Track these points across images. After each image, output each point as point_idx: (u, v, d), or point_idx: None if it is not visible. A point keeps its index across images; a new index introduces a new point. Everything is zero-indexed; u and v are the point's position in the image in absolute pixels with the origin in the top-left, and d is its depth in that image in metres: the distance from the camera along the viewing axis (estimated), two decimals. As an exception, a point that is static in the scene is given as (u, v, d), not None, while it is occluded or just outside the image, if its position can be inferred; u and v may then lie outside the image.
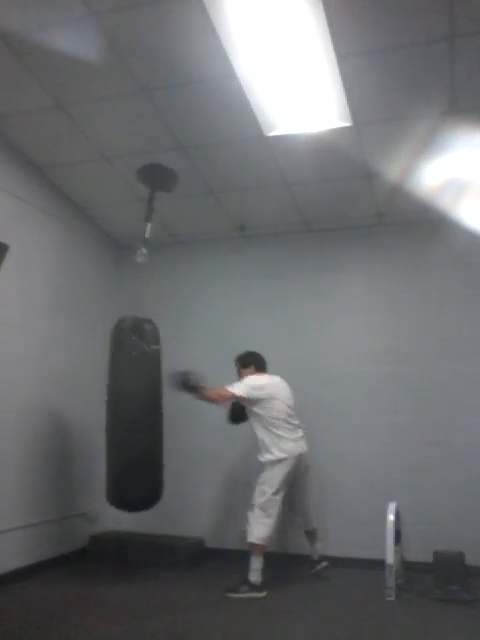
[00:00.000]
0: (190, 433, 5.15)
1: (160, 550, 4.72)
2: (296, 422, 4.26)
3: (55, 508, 4.64)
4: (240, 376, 4.36)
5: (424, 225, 4.84)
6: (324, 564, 4.32)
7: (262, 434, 4.16)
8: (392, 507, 4.05)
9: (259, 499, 4.05)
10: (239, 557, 4.75)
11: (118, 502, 4.23)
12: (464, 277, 4.80)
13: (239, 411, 4.32)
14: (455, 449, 4.57)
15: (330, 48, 3.26)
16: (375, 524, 4.15)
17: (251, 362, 4.39)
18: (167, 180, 4.46)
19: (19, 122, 4.08)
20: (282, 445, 4.10)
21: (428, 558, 4.10)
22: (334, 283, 5.14)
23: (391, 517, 3.99)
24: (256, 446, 4.19)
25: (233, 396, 4.15)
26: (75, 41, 3.36)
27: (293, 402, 4.32)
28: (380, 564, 3.90)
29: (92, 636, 3.17)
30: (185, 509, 5.05)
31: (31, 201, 4.55)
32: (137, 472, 4.10)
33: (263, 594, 3.90)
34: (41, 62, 3.52)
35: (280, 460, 4.07)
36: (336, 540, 4.58)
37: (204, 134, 4.07)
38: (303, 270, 5.25)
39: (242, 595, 3.87)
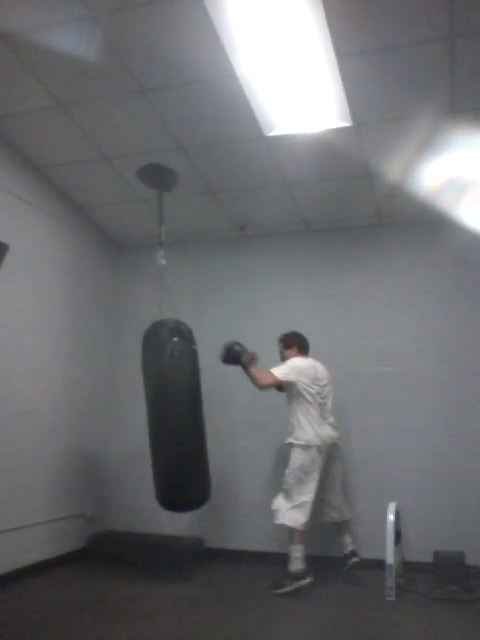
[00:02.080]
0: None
1: (160, 550, 4.71)
2: (329, 408, 4.24)
3: (55, 508, 4.64)
4: (282, 356, 4.40)
5: (424, 225, 4.84)
6: (356, 559, 4.14)
7: (295, 416, 4.14)
8: (392, 507, 4.04)
9: (291, 483, 4.01)
10: (239, 557, 4.77)
11: (174, 503, 4.16)
12: (464, 277, 4.80)
13: (236, 355, 4.15)
14: (455, 449, 4.57)
15: (330, 48, 3.26)
16: (375, 524, 4.16)
17: (294, 343, 4.39)
18: (167, 180, 4.46)
19: (19, 122, 4.08)
20: (313, 430, 4.08)
21: (428, 558, 4.10)
22: (334, 283, 5.14)
23: (391, 517, 3.99)
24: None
25: (275, 380, 4.09)
26: (75, 41, 3.36)
27: (330, 388, 4.30)
28: (380, 564, 3.89)
29: (92, 636, 3.16)
30: (185, 509, 5.04)
31: (31, 201, 4.55)
32: (195, 472, 4.11)
33: (308, 580, 3.82)
34: (41, 62, 3.52)
35: (309, 444, 4.05)
36: (337, 540, 4.57)
37: (204, 134, 4.08)
38: (303, 270, 5.25)
39: (288, 588, 3.82)
